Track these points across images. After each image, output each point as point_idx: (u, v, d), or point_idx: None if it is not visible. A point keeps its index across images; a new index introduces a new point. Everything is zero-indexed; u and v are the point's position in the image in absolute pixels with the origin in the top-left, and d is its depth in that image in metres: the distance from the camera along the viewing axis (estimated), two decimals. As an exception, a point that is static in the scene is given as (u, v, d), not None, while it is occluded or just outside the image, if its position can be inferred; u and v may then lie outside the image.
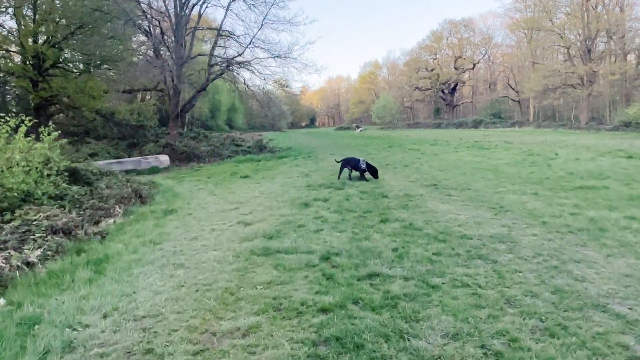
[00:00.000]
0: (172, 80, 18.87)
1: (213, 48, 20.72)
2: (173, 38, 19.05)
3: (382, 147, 24.71)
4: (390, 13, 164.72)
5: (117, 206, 8.27)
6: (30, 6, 24.25)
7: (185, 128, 41.60)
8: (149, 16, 18.28)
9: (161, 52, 18.81)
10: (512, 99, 59.82)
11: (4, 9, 23.72)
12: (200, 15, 20.34)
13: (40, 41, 24.24)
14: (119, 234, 6.70)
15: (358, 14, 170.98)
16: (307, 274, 4.66)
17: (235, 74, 21.50)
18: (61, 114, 26.05)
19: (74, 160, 11.38)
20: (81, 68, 24.11)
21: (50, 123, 10.08)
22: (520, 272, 4.50)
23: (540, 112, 56.38)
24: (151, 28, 18.29)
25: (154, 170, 16.18)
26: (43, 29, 24.13)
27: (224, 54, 20.91)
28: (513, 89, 58.68)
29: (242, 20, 23.89)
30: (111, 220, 7.55)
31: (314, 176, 12.35)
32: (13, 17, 24.07)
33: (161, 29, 18.17)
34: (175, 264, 5.22)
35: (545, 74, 43.36)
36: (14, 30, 24.15)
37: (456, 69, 66.50)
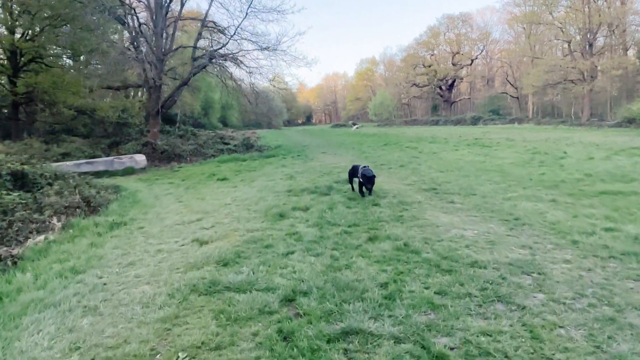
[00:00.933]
0: (151, 75, 17.42)
1: (197, 40, 19.23)
2: (152, 29, 17.61)
3: (377, 145, 23.32)
4: (388, 8, 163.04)
5: (55, 218, 6.86)
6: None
7: (177, 126, 40.21)
8: (126, 5, 16.78)
9: (140, 45, 17.33)
10: (511, 95, 58.48)
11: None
12: (182, 4, 18.90)
13: (17, 35, 22.77)
14: (40, 257, 5.30)
15: (354, 9, 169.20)
16: (257, 328, 3.27)
17: (220, 67, 20.01)
18: (43, 112, 24.56)
19: (25, 162, 9.94)
20: (58, 62, 22.60)
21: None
22: (561, 327, 3.12)
23: (539, 109, 55.05)
24: (128, 18, 16.80)
25: (129, 171, 14.76)
26: (19, 22, 22.65)
27: (209, 47, 19.41)
28: (512, 85, 57.36)
29: (227, 10, 22.30)
30: (42, 237, 6.15)
31: (299, 179, 10.95)
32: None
33: (137, 18, 16.67)
34: (86, 307, 3.83)
35: (546, 69, 41.97)
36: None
37: (454, 65, 65.10)
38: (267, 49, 18.18)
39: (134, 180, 12.82)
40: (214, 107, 53.34)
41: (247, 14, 17.84)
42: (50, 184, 9.22)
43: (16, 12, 22.61)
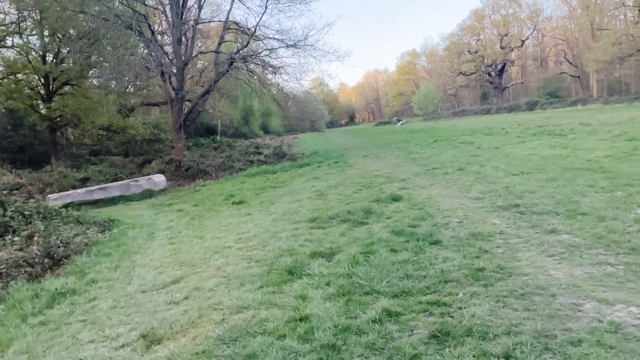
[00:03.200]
0: (171, 85, 15.76)
1: (219, 44, 17.38)
2: (171, 36, 15.99)
3: (426, 142, 20.45)
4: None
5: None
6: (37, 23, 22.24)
7: (211, 137, 39.06)
8: (138, 13, 15.17)
9: (158, 55, 15.69)
10: (570, 75, 52.75)
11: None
12: (200, 7, 17.11)
13: (49, 60, 22.13)
14: None
15: (391, 4, 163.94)
16: None
17: (248, 71, 18.03)
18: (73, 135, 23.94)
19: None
20: (85, 83, 21.67)
21: None
22: None
23: (604, 87, 49.08)
24: (143, 27, 15.18)
25: (146, 194, 13.06)
26: (50, 46, 21.98)
27: (234, 50, 17.50)
28: (571, 63, 51.68)
29: (247, 7, 20.16)
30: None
31: (330, 196, 8.58)
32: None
33: (149, 25, 14.98)
34: None
35: (612, 41, 36.81)
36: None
37: (502, 48, 59.93)
38: (293, 45, 15.96)
39: (145, 207, 11.02)
40: (254, 115, 52.06)
41: (266, 7, 15.74)
42: (30, 222, 7.48)
43: (46, 35, 22.03)
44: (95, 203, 12.48)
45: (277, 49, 16.62)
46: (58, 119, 21.92)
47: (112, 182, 15.01)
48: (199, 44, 19.88)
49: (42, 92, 22.55)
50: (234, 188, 11.78)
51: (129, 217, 9.57)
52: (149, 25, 14.82)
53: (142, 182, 13.21)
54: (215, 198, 10.57)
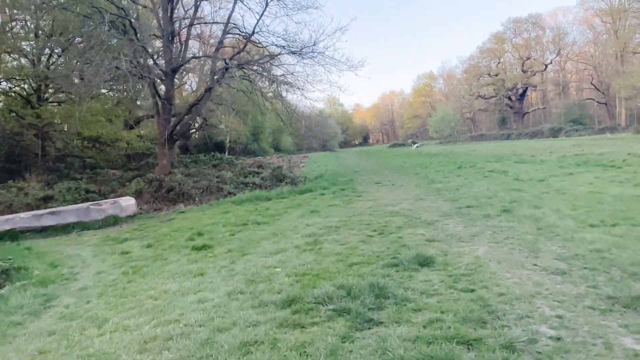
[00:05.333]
0: (156, 93, 13.43)
1: (217, 50, 15.08)
2: (161, 38, 13.77)
3: (448, 168, 17.71)
4: (444, 21, 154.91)
5: None
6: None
7: (226, 153, 36.75)
8: (121, 10, 12.95)
9: (144, 58, 13.44)
10: (597, 102, 49.58)
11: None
12: (196, 7, 14.91)
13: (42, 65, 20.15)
14: None
15: (409, 26, 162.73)
16: None
17: (249, 82, 15.64)
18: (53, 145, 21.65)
19: None
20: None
21: None
22: None
23: (635, 115, 45.77)
24: (125, 26, 12.94)
25: (110, 221, 10.54)
26: (37, 47, 20.02)
27: (230, 56, 15.12)
28: (597, 89, 48.58)
29: (247, 6, 17.63)
30: None
31: (326, 249, 5.89)
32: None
33: (130, 22, 12.67)
34: None
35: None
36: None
37: (524, 72, 57.20)
38: (298, 52, 13.44)
39: (93, 242, 8.45)
40: (265, 132, 49.89)
41: (267, 4, 13.31)
42: None
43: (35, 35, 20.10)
44: (43, 230, 9.99)
45: (277, 55, 14.13)
46: (45, 127, 19.84)
47: (81, 202, 12.60)
48: (198, 50, 17.55)
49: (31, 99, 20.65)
50: (210, 221, 9.15)
51: (58, 259, 7.02)
52: (130, 22, 12.51)
53: (106, 207, 10.70)
54: (179, 236, 7.96)
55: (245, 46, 14.20)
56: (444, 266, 4.63)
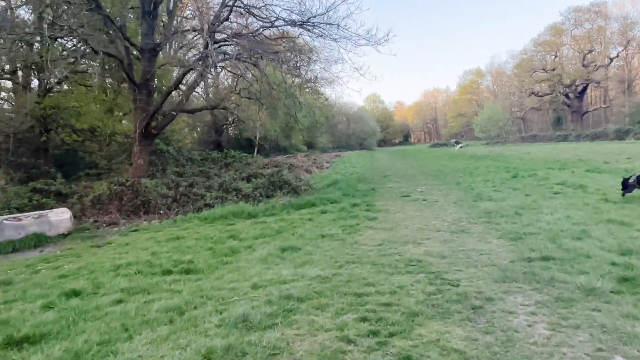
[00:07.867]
0: (129, 76, 10.60)
1: (213, 24, 12.07)
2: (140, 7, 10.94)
3: (499, 176, 13.82)
4: (494, 15, 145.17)
5: None
6: None
7: (256, 152, 34.11)
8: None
9: (115, 32, 10.66)
10: (675, 100, 42.64)
11: None
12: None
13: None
14: None
15: (455, 21, 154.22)
16: None
17: (239, 60, 12.39)
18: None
19: None
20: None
21: None
22: None
23: None
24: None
25: (31, 241, 7.78)
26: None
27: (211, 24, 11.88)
28: (675, 86, 41.66)
29: None
30: None
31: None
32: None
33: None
34: None
35: None
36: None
37: (584, 66, 50.64)
38: (301, 24, 10.03)
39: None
40: (296, 128, 46.99)
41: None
42: None
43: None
44: None
45: (275, 24, 10.77)
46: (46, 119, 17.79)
47: (29, 210, 9.97)
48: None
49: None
50: (135, 258, 6.09)
51: None
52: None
53: (27, 222, 7.92)
54: (63, 284, 4.95)
55: (229, 14, 10.94)
56: None
